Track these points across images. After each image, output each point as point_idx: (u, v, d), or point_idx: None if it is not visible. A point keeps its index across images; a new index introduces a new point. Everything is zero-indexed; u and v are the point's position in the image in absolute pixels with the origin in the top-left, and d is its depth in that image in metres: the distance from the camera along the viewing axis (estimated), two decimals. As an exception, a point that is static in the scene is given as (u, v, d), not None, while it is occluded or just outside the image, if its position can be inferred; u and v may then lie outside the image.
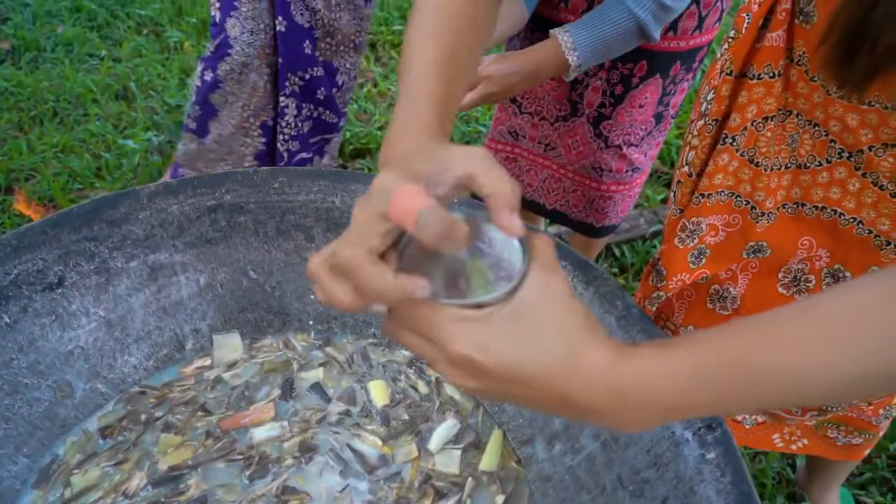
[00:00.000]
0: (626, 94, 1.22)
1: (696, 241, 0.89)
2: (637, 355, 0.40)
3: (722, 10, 1.17)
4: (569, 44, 0.99)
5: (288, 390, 0.86)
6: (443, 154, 0.42)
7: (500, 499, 0.77)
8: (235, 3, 1.39)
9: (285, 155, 1.59)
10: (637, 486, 0.68)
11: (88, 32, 2.71)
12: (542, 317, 0.40)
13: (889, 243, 0.77)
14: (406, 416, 0.84)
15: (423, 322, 0.41)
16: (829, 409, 0.96)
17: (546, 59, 1.01)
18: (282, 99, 1.51)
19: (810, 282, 0.84)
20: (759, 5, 0.77)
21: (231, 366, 0.89)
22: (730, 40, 0.82)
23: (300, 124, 1.56)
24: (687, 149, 0.91)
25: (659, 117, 1.28)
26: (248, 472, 0.77)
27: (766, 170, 0.81)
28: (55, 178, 2.01)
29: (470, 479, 0.78)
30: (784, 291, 0.86)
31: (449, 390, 0.88)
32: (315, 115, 1.58)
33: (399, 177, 0.41)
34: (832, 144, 0.76)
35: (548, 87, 1.27)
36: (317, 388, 0.86)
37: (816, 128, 0.77)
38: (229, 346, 0.90)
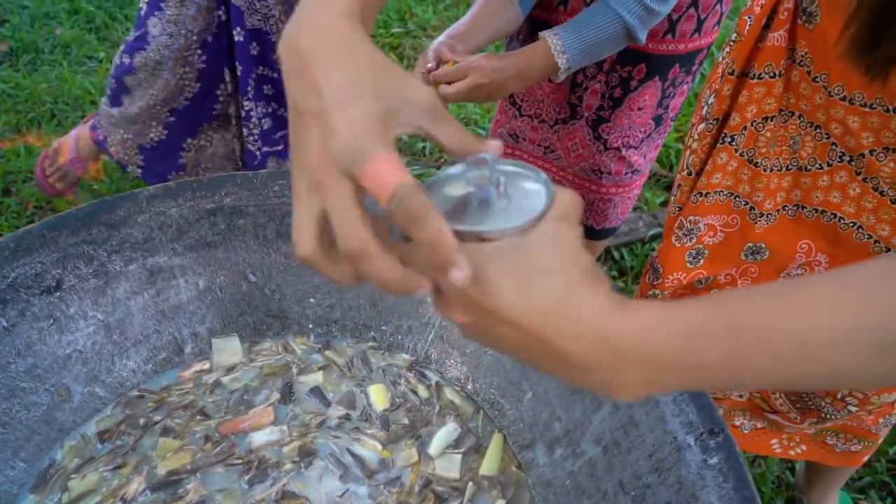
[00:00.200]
0: (625, 97, 1.23)
1: (693, 240, 0.89)
2: (637, 308, 0.38)
3: (721, 14, 1.17)
4: (558, 46, 1.01)
5: (287, 394, 0.85)
6: (393, 96, 0.40)
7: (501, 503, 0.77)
8: (161, 5, 1.43)
9: (258, 154, 1.64)
10: (639, 491, 0.68)
11: (87, 34, 2.71)
12: (543, 258, 0.39)
13: (888, 249, 0.77)
14: (406, 421, 0.84)
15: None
16: (829, 416, 0.96)
17: (535, 60, 1.02)
18: (245, 103, 1.56)
19: None
20: (762, 7, 0.77)
21: (230, 369, 0.88)
22: (731, 44, 0.82)
23: (260, 121, 1.62)
24: (688, 152, 0.91)
25: (658, 120, 1.29)
26: (247, 477, 0.76)
27: (765, 170, 0.81)
28: (53, 181, 2.01)
29: (470, 483, 0.78)
30: None
31: (449, 394, 0.88)
32: (269, 111, 1.63)
33: (373, 137, 0.38)
34: (833, 147, 0.76)
35: (547, 90, 1.27)
36: (316, 391, 0.86)
37: (818, 130, 0.77)
38: (228, 349, 0.90)
